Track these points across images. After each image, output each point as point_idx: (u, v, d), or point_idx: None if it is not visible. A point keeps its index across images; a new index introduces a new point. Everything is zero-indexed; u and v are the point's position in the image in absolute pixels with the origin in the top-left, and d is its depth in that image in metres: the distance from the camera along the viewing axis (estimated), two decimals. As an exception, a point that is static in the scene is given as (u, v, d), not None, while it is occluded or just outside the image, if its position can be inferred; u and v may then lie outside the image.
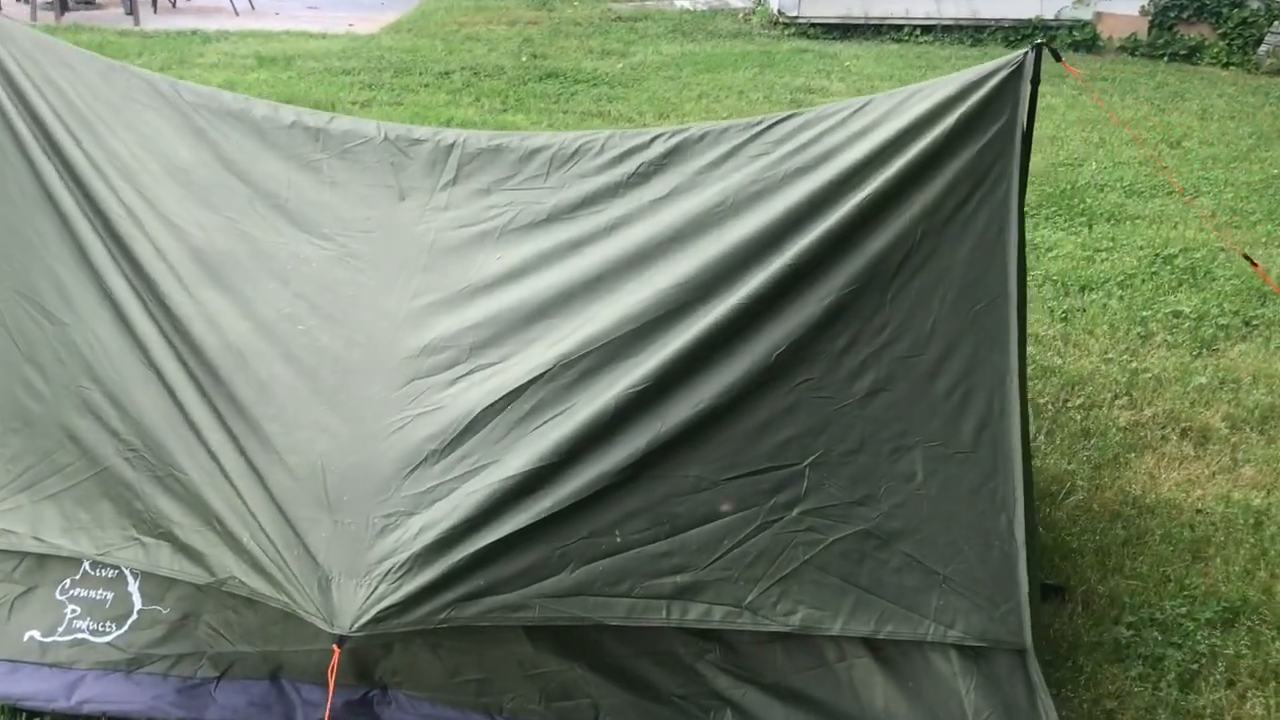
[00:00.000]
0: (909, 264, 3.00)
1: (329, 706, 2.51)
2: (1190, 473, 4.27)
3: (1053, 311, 5.71)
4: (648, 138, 3.29)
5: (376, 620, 2.52)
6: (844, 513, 2.87)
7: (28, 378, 3.04)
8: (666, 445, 2.78)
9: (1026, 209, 7.25)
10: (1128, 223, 7.21)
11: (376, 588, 2.56)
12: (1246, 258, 3.37)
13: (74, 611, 3.00)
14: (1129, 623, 3.43)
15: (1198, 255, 6.57)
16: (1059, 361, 5.15)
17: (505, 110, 9.52)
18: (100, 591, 3.00)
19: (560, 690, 2.82)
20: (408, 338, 2.96)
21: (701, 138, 3.27)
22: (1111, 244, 6.76)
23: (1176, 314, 5.70)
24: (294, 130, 3.34)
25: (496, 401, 2.81)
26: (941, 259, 3.02)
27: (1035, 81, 3.19)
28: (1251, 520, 3.95)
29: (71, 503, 2.95)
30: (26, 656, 2.96)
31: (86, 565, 3.01)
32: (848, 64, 12.05)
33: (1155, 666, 3.24)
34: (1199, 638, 3.34)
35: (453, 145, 3.33)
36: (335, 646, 2.49)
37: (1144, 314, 5.69)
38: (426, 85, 10.18)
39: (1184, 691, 3.16)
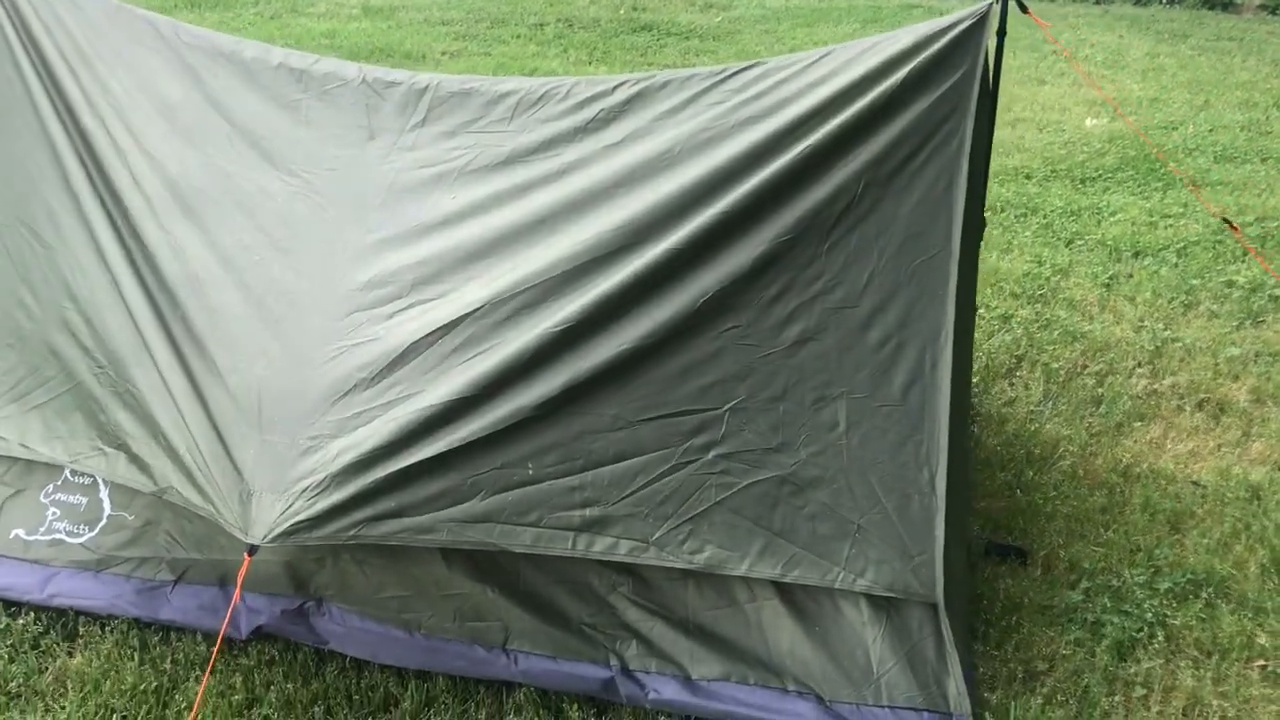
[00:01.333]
0: (850, 215, 3.00)
1: (230, 612, 2.69)
2: (1195, 445, 4.15)
3: (1095, 277, 5.55)
4: (612, 84, 3.34)
5: (288, 533, 2.68)
6: (761, 458, 2.91)
7: (22, 297, 3.29)
8: (586, 383, 2.86)
9: (1100, 173, 7.09)
10: (1207, 189, 6.92)
11: (292, 503, 2.72)
12: (1226, 221, 3.25)
13: (54, 514, 3.25)
14: (1084, 589, 3.38)
15: (1272, 224, 6.28)
16: (1088, 327, 5.02)
17: (590, 63, 9.61)
18: (77, 496, 3.24)
19: (473, 611, 2.95)
20: (355, 272, 3.10)
21: (664, 85, 3.30)
22: (1182, 210, 6.50)
23: (1229, 284, 5.48)
24: (279, 71, 3.49)
25: (428, 335, 2.93)
26: (885, 211, 3.01)
27: (1001, 34, 3.15)
28: (1244, 494, 3.83)
29: (52, 413, 3.20)
30: (10, 552, 3.23)
31: (67, 472, 3.27)
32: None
33: (1094, 633, 3.20)
34: (1148, 607, 3.28)
35: (426, 88, 3.43)
36: (246, 554, 2.67)
37: (1193, 282, 5.49)
38: (518, 36, 10.33)
39: (1119, 659, 3.12)
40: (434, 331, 2.93)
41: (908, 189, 3.03)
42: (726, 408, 2.92)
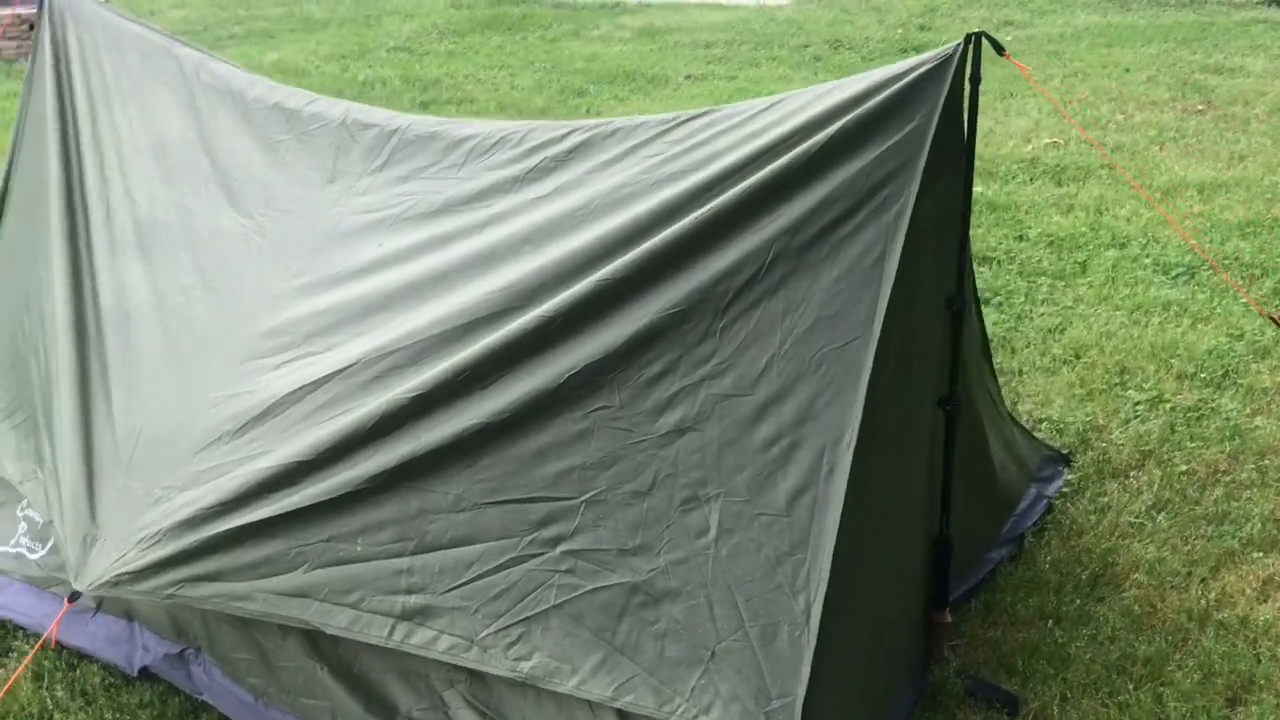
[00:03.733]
0: (753, 289, 2.60)
1: (55, 623, 2.69)
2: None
3: (1298, 358, 4.57)
4: (563, 131, 3.09)
5: (112, 584, 2.66)
6: (614, 560, 2.57)
7: (22, 322, 3.49)
8: (429, 457, 2.65)
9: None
10: None
11: (126, 553, 2.69)
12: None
13: (23, 529, 3.41)
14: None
15: None
16: (1255, 424, 4.13)
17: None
18: (38, 514, 3.39)
19: (305, 688, 2.79)
20: (264, 318, 3.04)
21: (612, 134, 3.02)
22: None
23: None
24: (273, 111, 3.50)
25: (296, 390, 2.82)
26: (796, 287, 2.59)
27: (975, 80, 2.63)
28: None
29: (22, 434, 3.36)
30: (-17, 562, 3.43)
31: (37, 490, 3.43)
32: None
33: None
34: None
35: (395, 130, 3.32)
36: (66, 599, 2.67)
37: None
38: (774, 59, 10.03)
39: None
40: (302, 388, 2.82)
41: (827, 261, 2.58)
42: (583, 499, 2.60)
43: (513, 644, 2.56)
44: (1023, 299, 5.21)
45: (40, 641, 2.76)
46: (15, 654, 3.22)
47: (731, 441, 2.56)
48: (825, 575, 2.44)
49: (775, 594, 2.48)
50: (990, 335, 4.76)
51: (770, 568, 2.49)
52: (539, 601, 2.57)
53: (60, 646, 3.19)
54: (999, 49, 2.64)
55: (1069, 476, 3.84)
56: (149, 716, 2.96)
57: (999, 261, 5.63)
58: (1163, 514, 3.67)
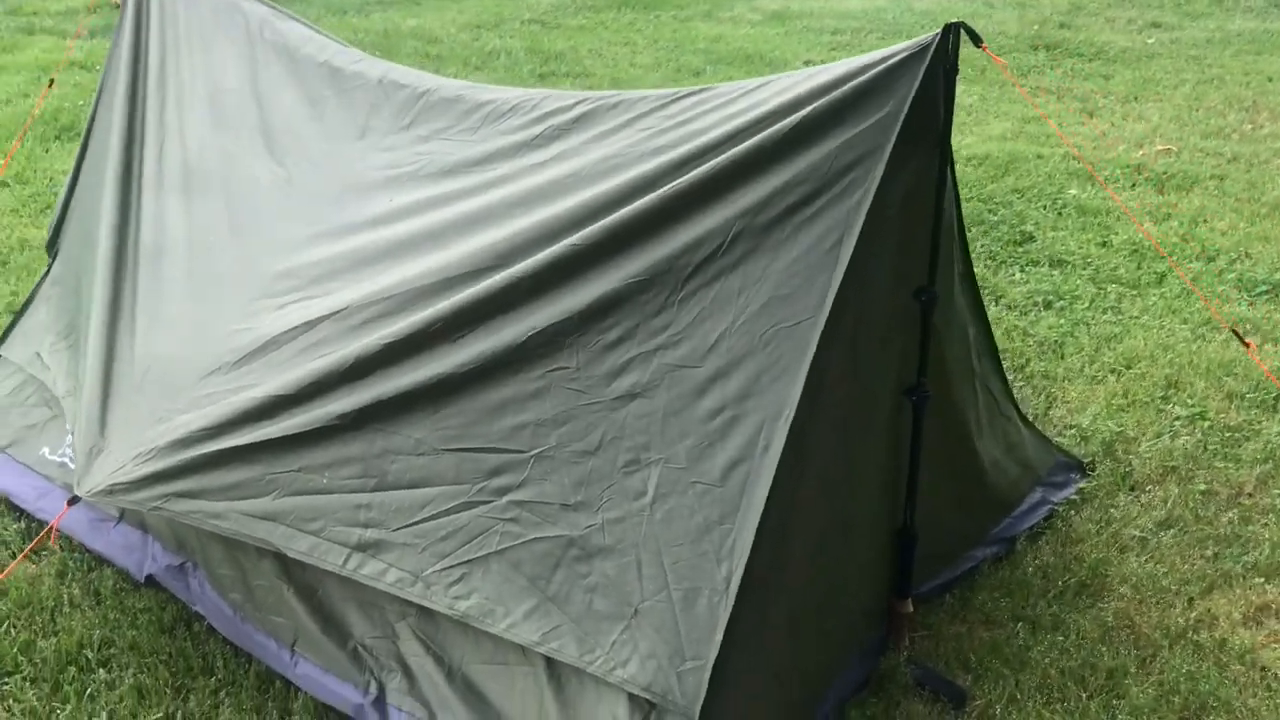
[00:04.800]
0: (712, 264, 2.67)
1: (57, 520, 2.93)
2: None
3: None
4: (572, 100, 3.20)
5: (107, 492, 2.89)
6: (555, 514, 2.68)
7: (84, 249, 3.78)
8: (397, 402, 2.79)
9: None
10: None
11: (123, 465, 2.92)
12: (1236, 334, 2.47)
13: (69, 440, 3.71)
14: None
15: None
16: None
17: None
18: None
19: (273, 605, 2.98)
20: (279, 261, 3.24)
21: (615, 106, 3.11)
22: None
23: None
24: (320, 68, 3.70)
25: (291, 330, 3.00)
26: (754, 265, 2.65)
27: (952, 70, 2.63)
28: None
29: (71, 354, 3.65)
30: (32, 464, 3.73)
31: (85, 405, 3.72)
32: None
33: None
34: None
35: (425, 92, 3.48)
36: (66, 503, 2.92)
37: None
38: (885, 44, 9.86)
39: None
40: (296, 327, 3.00)
41: (788, 243, 2.63)
42: (533, 453, 2.71)
43: (454, 583, 2.70)
44: (1086, 305, 5.08)
45: (37, 539, 3.02)
46: (47, 554, 3.51)
47: (677, 411, 2.64)
48: (748, 546, 2.50)
49: (701, 560, 2.55)
50: (1042, 339, 4.70)
51: (699, 534, 2.56)
52: (482, 546, 2.70)
53: (85, 550, 3.48)
54: (976, 40, 2.62)
55: (1082, 485, 3.77)
56: (147, 620, 3.20)
57: (1073, 266, 5.49)
58: (1170, 531, 3.57)
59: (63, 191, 4.03)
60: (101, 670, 3.03)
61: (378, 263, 3.09)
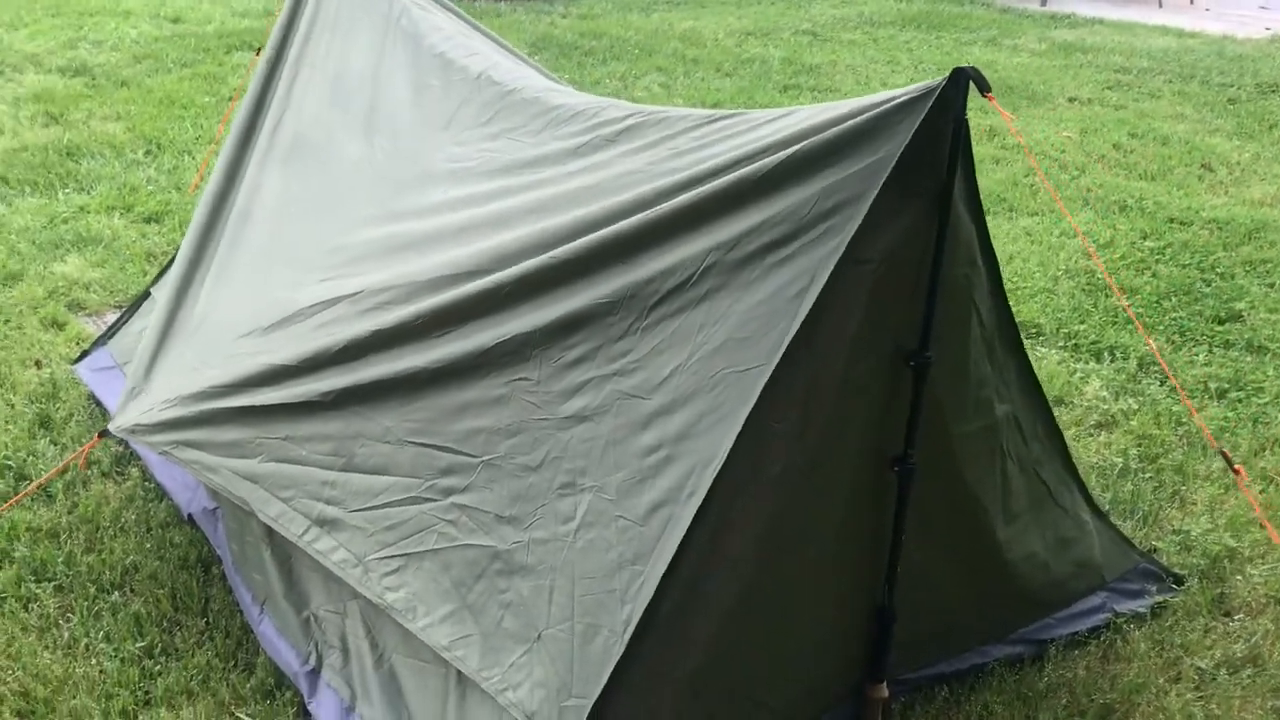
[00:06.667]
0: (680, 295, 2.59)
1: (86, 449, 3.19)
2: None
3: None
4: (626, 113, 3.16)
5: (130, 430, 3.12)
6: (489, 524, 2.67)
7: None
8: (374, 389, 2.87)
9: None
10: None
11: (151, 408, 3.14)
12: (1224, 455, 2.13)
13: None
14: None
15: None
16: None
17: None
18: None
19: (255, 562, 3.12)
20: (334, 238, 3.37)
21: (659, 121, 3.05)
22: None
23: None
24: (436, 59, 3.81)
25: (314, 305, 3.13)
26: (719, 302, 2.55)
27: (959, 119, 2.41)
28: None
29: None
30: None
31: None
32: None
33: None
34: None
35: (510, 91, 3.52)
36: (97, 434, 3.17)
37: None
38: (1181, 93, 9.03)
39: None
40: (319, 303, 3.13)
41: (756, 284, 2.51)
42: (482, 459, 2.72)
43: (389, 574, 2.74)
44: (1268, 400, 4.50)
45: (64, 463, 3.30)
46: (129, 479, 3.83)
47: (618, 440, 2.56)
48: (650, 589, 2.40)
49: (608, 597, 2.47)
50: (1194, 431, 4.22)
51: (612, 571, 2.48)
52: (421, 542, 2.73)
53: (155, 480, 3.78)
54: (983, 89, 2.37)
55: (1158, 599, 3.35)
56: (174, 555, 3.44)
57: (1273, 354, 4.87)
58: (1243, 672, 3.11)
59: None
60: (116, 593, 3.28)
61: (404, 252, 3.16)
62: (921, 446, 2.69)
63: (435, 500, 2.74)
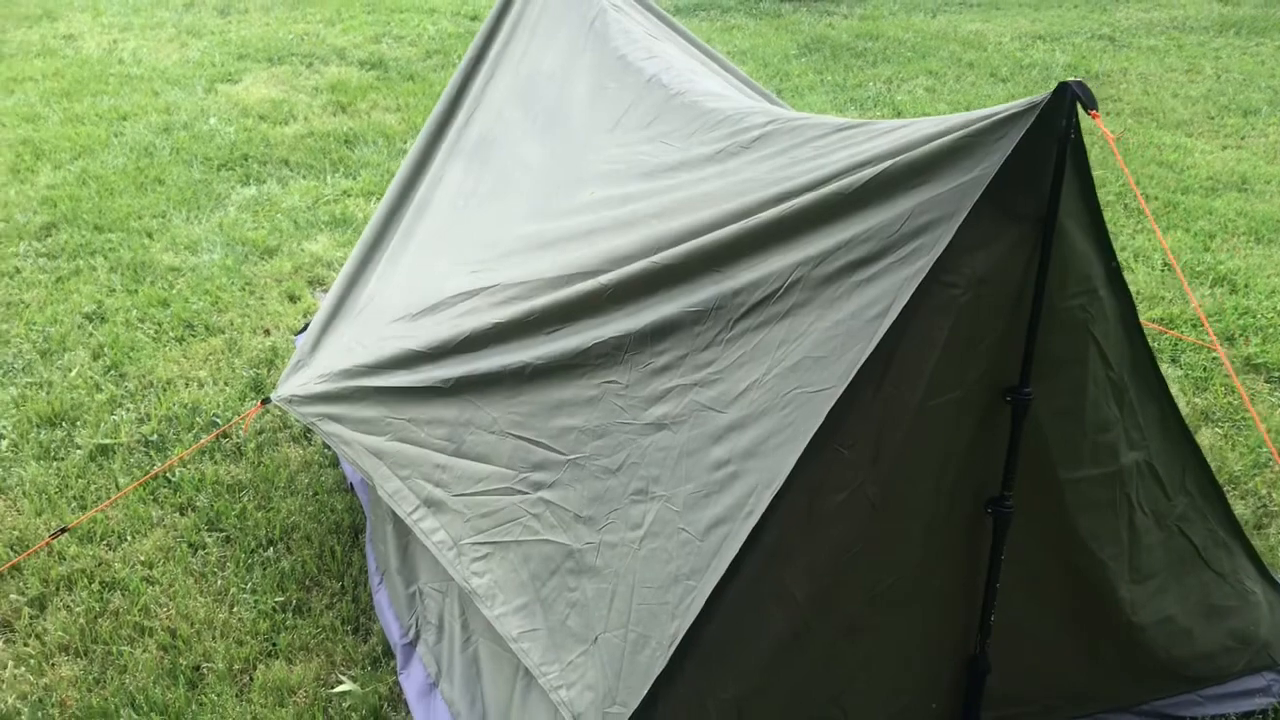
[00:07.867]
0: (765, 308, 2.54)
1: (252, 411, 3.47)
2: None
3: None
4: (765, 119, 3.10)
5: (287, 400, 3.37)
6: (569, 521, 2.71)
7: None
8: (486, 380, 2.96)
9: None
10: None
11: (308, 382, 3.38)
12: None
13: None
14: None
15: None
16: None
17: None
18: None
19: (378, 532, 3.29)
20: (491, 233, 3.50)
21: (792, 130, 2.99)
22: None
23: None
24: (616, 62, 3.86)
25: (455, 296, 3.27)
26: (800, 319, 2.49)
27: (1065, 137, 2.23)
28: None
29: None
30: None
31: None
32: None
33: None
34: None
35: (674, 95, 3.53)
36: (259, 402, 3.44)
37: None
38: None
39: None
40: (460, 294, 3.26)
41: (839, 302, 2.43)
42: (570, 458, 2.76)
43: (478, 559, 2.83)
44: None
45: (226, 426, 3.59)
46: (313, 445, 4.13)
47: (692, 452, 2.54)
48: (697, 605, 2.36)
49: (660, 609, 2.45)
50: None
51: (668, 583, 2.46)
52: (508, 532, 2.80)
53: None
54: (1088, 106, 2.16)
55: (1337, 687, 2.95)
56: (332, 519, 3.69)
57: None
58: None
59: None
60: (271, 549, 3.55)
61: (542, 249, 3.24)
62: (1024, 490, 2.50)
63: (525, 494, 2.80)
